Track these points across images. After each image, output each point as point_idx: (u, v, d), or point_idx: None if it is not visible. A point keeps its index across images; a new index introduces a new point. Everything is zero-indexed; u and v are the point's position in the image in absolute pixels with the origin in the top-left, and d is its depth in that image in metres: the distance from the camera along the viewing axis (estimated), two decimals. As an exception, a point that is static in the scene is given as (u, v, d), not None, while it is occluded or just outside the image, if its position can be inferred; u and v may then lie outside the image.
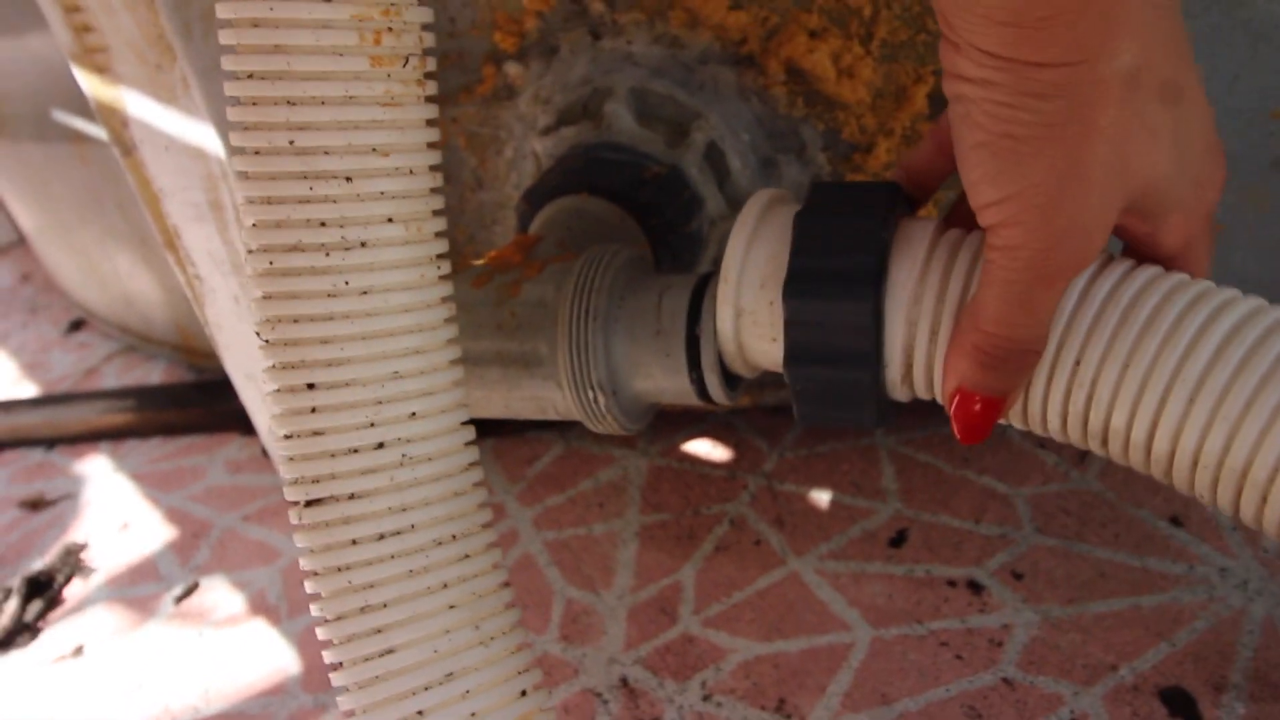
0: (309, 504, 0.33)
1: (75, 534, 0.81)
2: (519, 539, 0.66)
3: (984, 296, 0.30)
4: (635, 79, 0.56)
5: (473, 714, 0.34)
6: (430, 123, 0.34)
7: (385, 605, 0.32)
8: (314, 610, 0.33)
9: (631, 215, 0.51)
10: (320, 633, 0.33)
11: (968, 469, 0.61)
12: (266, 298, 0.33)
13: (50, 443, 0.98)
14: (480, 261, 0.47)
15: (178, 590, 0.70)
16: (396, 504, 0.32)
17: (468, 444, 0.35)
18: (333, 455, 0.32)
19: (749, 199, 0.38)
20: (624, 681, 0.53)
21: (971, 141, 0.29)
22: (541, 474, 0.72)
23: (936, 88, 0.51)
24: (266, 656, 0.62)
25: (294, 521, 0.33)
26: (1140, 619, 0.49)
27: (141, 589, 0.72)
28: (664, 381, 0.42)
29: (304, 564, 0.33)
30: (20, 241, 1.78)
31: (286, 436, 0.32)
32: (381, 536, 0.32)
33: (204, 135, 0.60)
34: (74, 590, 0.74)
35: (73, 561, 0.77)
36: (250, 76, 0.32)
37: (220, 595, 0.69)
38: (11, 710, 0.63)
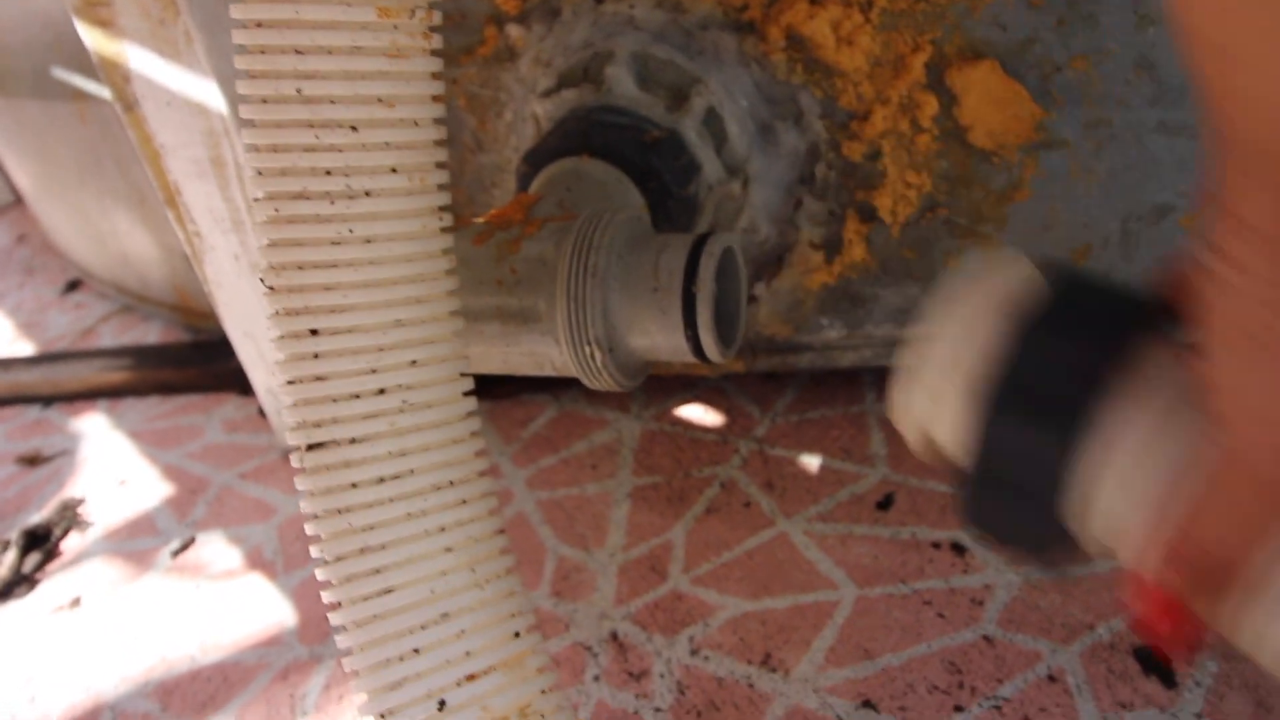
0: (311, 448, 0.33)
1: (72, 489, 0.82)
2: (513, 498, 0.67)
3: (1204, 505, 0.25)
4: (636, 43, 0.56)
5: (467, 653, 0.34)
6: (435, 75, 0.35)
7: (384, 547, 0.33)
8: (314, 551, 0.34)
9: (630, 178, 0.51)
10: (320, 573, 0.34)
11: (956, 437, 0.62)
12: (271, 244, 0.33)
13: (47, 400, 0.99)
14: (481, 220, 0.48)
15: (175, 545, 0.71)
16: (396, 449, 0.33)
17: (466, 393, 0.36)
18: (334, 400, 0.33)
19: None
20: (614, 636, 0.54)
21: (1222, 333, 0.24)
22: (535, 436, 0.73)
23: (934, 57, 0.52)
24: (263, 609, 0.63)
25: (296, 465, 0.33)
26: (1120, 581, 0.50)
27: (139, 543, 0.73)
28: (660, 338, 0.43)
29: (305, 506, 0.34)
30: (17, 202, 1.78)
31: (289, 382, 0.33)
32: (381, 480, 0.33)
33: (206, 91, 0.60)
34: (71, 544, 0.75)
35: (70, 515, 0.78)
36: (259, 25, 0.32)
37: (217, 550, 0.70)
38: (10, 659, 0.64)
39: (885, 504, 0.58)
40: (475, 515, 0.34)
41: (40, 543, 0.75)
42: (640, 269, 0.43)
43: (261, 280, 0.34)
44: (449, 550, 0.34)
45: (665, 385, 0.74)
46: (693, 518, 0.61)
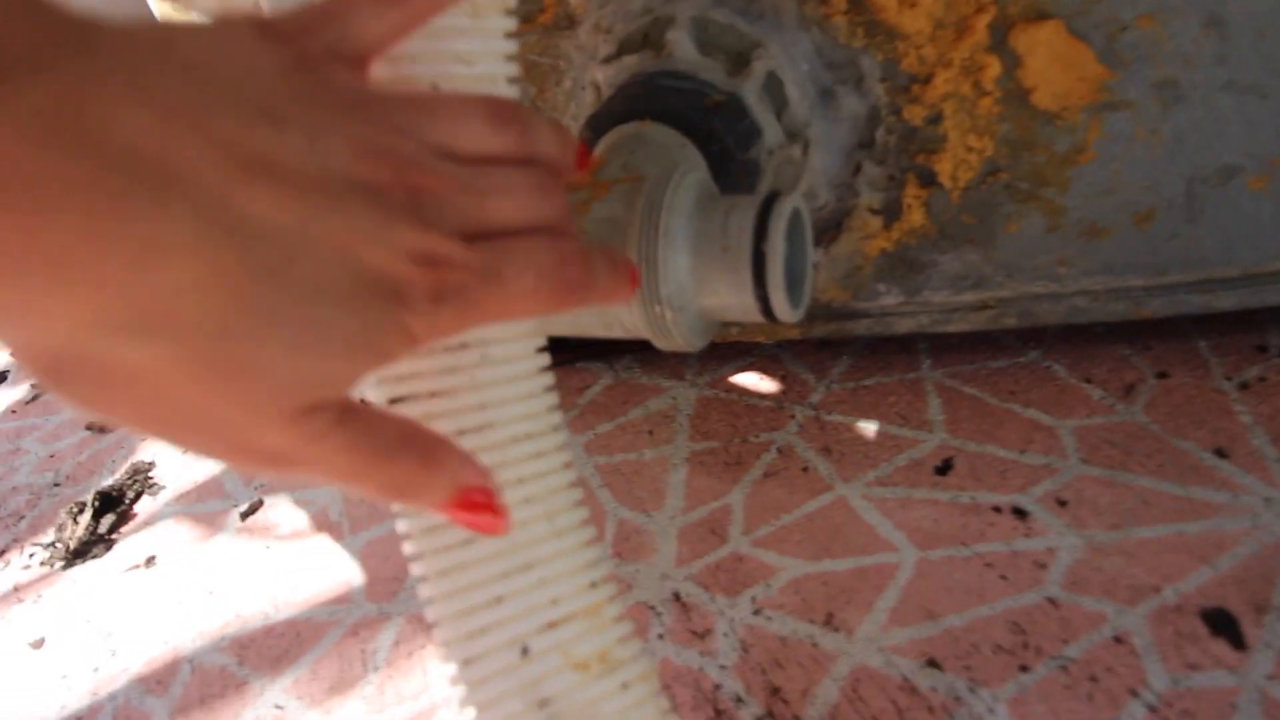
0: (393, 402, 0.34)
1: (143, 454, 0.84)
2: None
3: None
4: (696, 8, 0.56)
5: (551, 600, 0.35)
6: (510, 34, 0.35)
7: None
8: (395, 507, 0.35)
9: (692, 141, 0.52)
10: (401, 525, 0.35)
11: (1014, 401, 0.62)
12: None
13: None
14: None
15: (243, 507, 0.73)
16: (476, 402, 0.33)
17: (539, 349, 0.37)
18: (416, 355, 0.33)
19: None
20: (676, 596, 0.55)
21: None
22: (592, 403, 0.74)
23: (998, 18, 0.51)
24: (331, 569, 0.65)
25: None
26: (1184, 544, 0.50)
27: (208, 505, 0.75)
28: (730, 298, 0.43)
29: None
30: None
31: None
32: (462, 433, 0.33)
33: None
34: (144, 506, 0.77)
35: (141, 479, 0.80)
36: None
37: (284, 512, 0.72)
38: (91, 614, 0.67)
39: (944, 469, 0.59)
40: (552, 468, 0.35)
41: (114, 504, 0.78)
42: (710, 229, 0.43)
43: None
44: (528, 501, 0.34)
45: (720, 352, 0.75)
46: (750, 482, 0.62)
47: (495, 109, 0.28)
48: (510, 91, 0.35)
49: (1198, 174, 0.53)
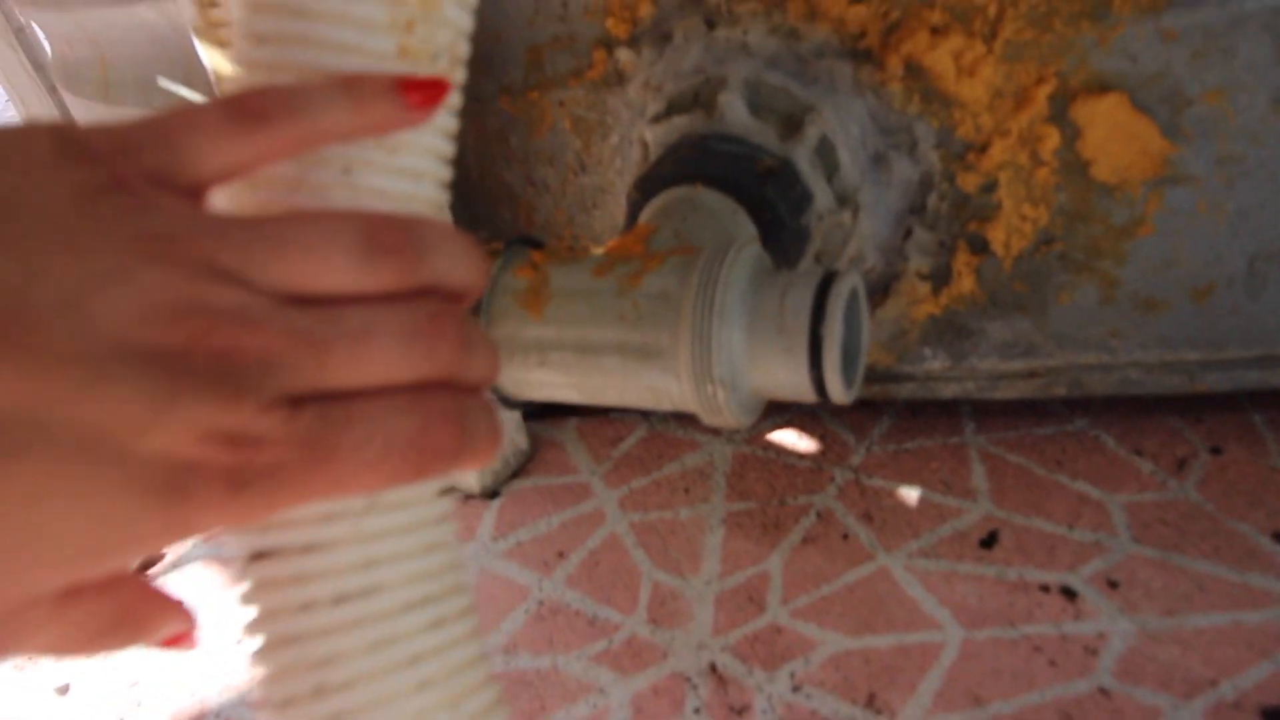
0: (255, 557, 0.26)
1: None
2: (605, 520, 0.67)
3: None
4: (749, 69, 0.56)
5: None
6: (450, 135, 0.30)
7: (345, 685, 0.26)
8: (259, 691, 0.27)
9: (744, 207, 0.51)
10: (264, 718, 0.27)
11: (1061, 472, 0.61)
12: None
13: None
14: (600, 250, 0.48)
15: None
16: (360, 559, 0.26)
17: (442, 491, 0.29)
18: None
19: None
20: (713, 667, 0.54)
21: None
22: (626, 455, 0.73)
23: (1059, 89, 0.51)
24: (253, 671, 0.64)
25: (238, 579, 0.27)
26: (1242, 635, 0.48)
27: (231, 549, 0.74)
28: (784, 378, 0.42)
29: (247, 633, 0.27)
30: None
31: None
32: (340, 600, 0.26)
33: (240, 57, 0.61)
34: (173, 547, 0.77)
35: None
36: (263, 39, 0.27)
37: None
38: (116, 662, 0.66)
39: (989, 541, 0.57)
40: (455, 638, 0.28)
41: (142, 544, 0.77)
42: (765, 308, 0.42)
43: None
44: (424, 686, 0.27)
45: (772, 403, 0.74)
46: (789, 547, 0.61)
47: (370, 234, 0.23)
48: (436, 193, 0.30)
49: (1261, 251, 0.52)
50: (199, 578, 0.72)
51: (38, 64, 1.62)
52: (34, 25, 1.19)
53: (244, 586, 0.26)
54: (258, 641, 0.26)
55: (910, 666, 0.51)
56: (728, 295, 0.42)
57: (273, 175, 0.27)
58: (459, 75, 0.30)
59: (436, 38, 0.29)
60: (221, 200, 0.27)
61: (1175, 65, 0.48)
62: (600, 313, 0.45)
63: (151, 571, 0.74)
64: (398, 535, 0.27)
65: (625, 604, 0.60)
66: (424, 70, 0.28)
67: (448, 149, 0.30)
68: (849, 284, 0.42)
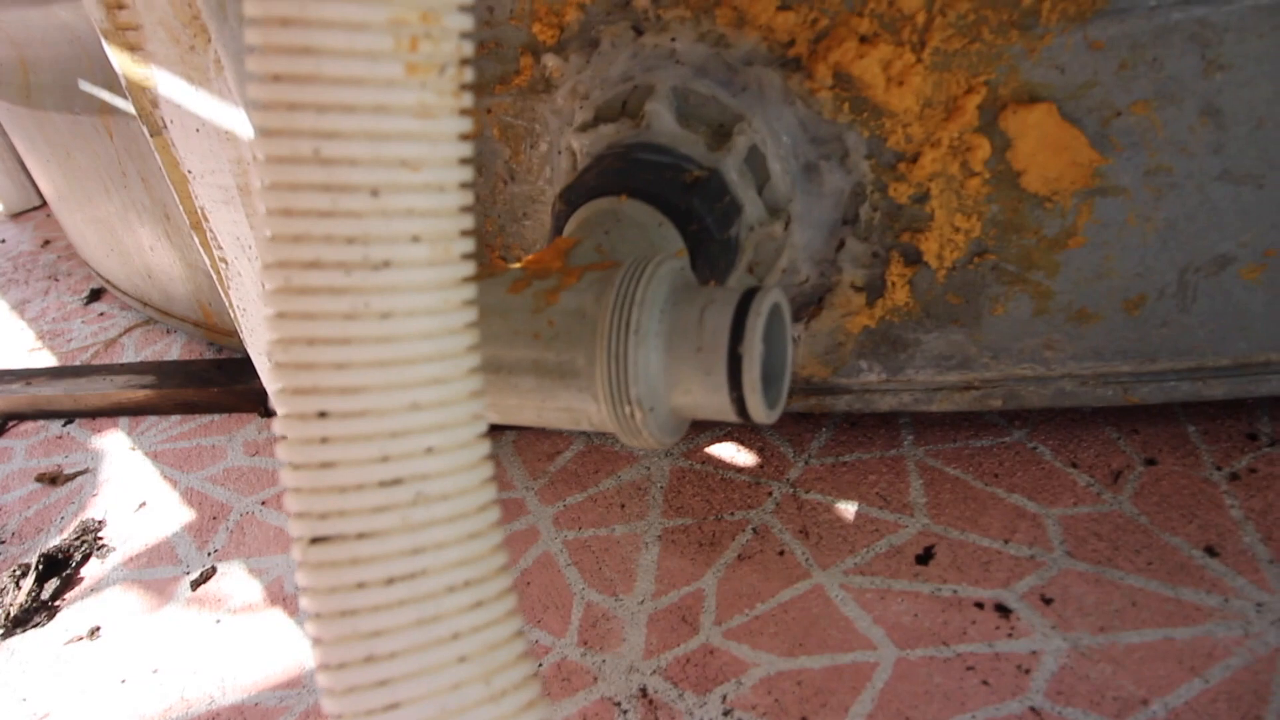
0: (314, 541, 0.30)
1: (93, 511, 0.81)
2: (539, 537, 0.65)
3: None
4: (677, 78, 0.54)
5: None
6: (463, 136, 0.32)
7: (392, 656, 0.30)
8: (315, 656, 0.31)
9: (670, 220, 0.50)
10: (321, 679, 0.31)
11: (998, 485, 0.60)
12: (280, 316, 0.30)
13: (70, 416, 0.98)
14: (517, 265, 0.46)
15: (195, 575, 0.70)
16: (408, 545, 0.30)
17: (485, 481, 0.32)
18: (342, 490, 0.30)
19: None
20: (643, 692, 0.53)
21: None
22: (563, 470, 0.72)
23: (989, 99, 0.50)
24: (283, 648, 0.61)
25: (297, 557, 0.30)
26: (1173, 652, 0.48)
27: (159, 571, 0.72)
28: (703, 398, 0.41)
29: (305, 604, 0.31)
30: (43, 206, 1.78)
31: (294, 467, 0.31)
32: (390, 580, 0.30)
33: (235, 119, 0.59)
34: (91, 569, 0.74)
35: (90, 540, 0.77)
36: (276, 79, 0.30)
37: (237, 582, 0.68)
38: (28, 690, 0.63)
39: (925, 558, 0.56)
40: (492, 619, 0.31)
41: (60, 568, 0.74)
42: (684, 327, 0.41)
43: (269, 355, 0.32)
44: (463, 660, 0.31)
45: (696, 421, 0.73)
46: (724, 565, 0.60)
47: None
48: (461, 199, 0.33)
49: (1191, 262, 0.51)
50: (118, 604, 0.69)
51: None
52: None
53: (304, 566, 0.30)
54: (314, 612, 0.30)
55: (843, 688, 0.50)
56: (644, 314, 0.41)
57: (303, 205, 0.29)
58: (467, 77, 0.31)
59: (441, 50, 0.30)
60: (261, 226, 0.29)
61: (1103, 76, 0.48)
62: (515, 331, 0.43)
63: (68, 595, 0.71)
64: (442, 524, 0.30)
65: (557, 626, 0.58)
66: (433, 85, 0.30)
67: (465, 152, 0.31)
68: (769, 301, 0.40)
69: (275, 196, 0.31)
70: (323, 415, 0.31)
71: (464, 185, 0.33)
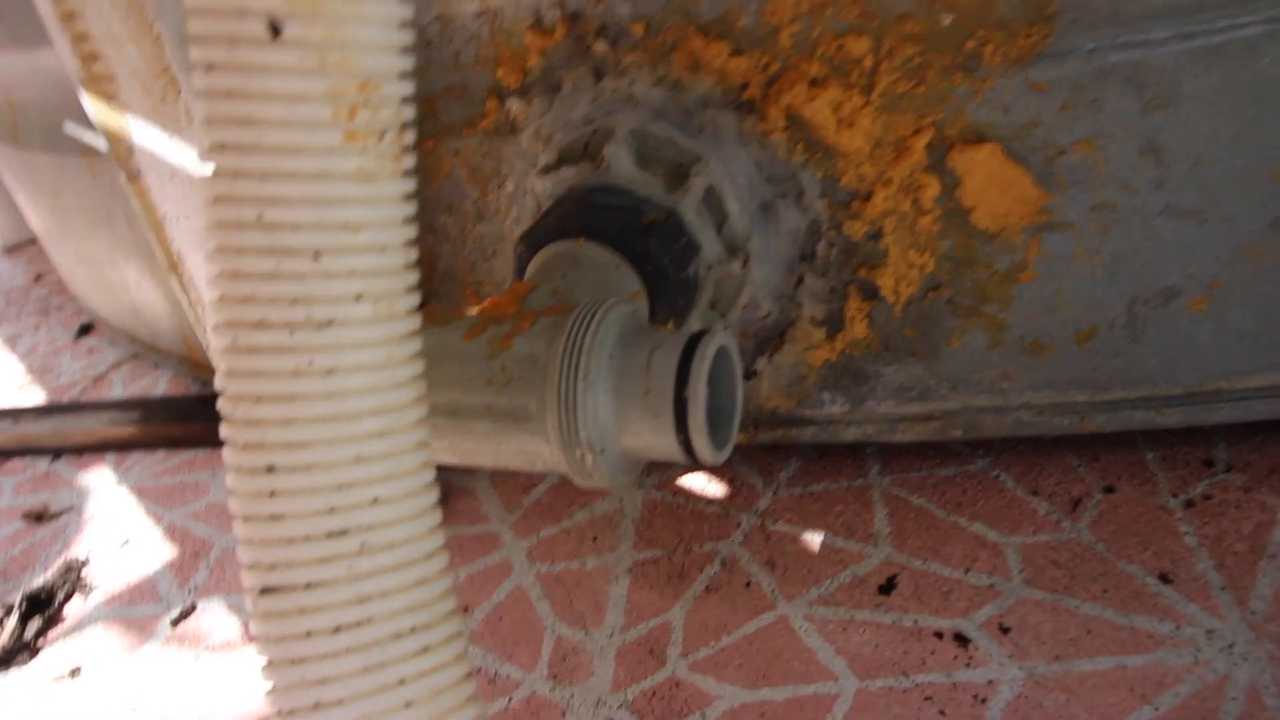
0: (264, 591, 0.31)
1: (77, 549, 0.82)
2: (512, 571, 0.66)
3: None
4: (636, 120, 0.56)
5: None
6: (407, 197, 0.33)
7: (339, 702, 0.31)
8: (267, 703, 0.32)
9: (628, 261, 0.51)
10: None
11: (960, 514, 0.61)
12: (229, 373, 0.31)
13: (56, 452, 0.99)
14: (474, 310, 0.47)
15: (175, 612, 0.71)
16: (354, 595, 0.31)
17: (432, 530, 0.34)
18: (290, 541, 0.31)
19: None
20: (611, 724, 0.53)
21: None
22: (537, 503, 0.72)
23: (936, 139, 0.51)
24: (260, 685, 0.62)
25: (249, 607, 0.32)
26: (1125, 680, 0.48)
27: (140, 609, 0.72)
28: (652, 440, 0.42)
29: (258, 652, 0.32)
30: (35, 241, 1.80)
31: (244, 519, 0.31)
32: (337, 629, 0.31)
33: (206, 167, 0.60)
34: (73, 608, 0.75)
35: (73, 578, 0.78)
36: (222, 148, 0.31)
37: (217, 619, 0.69)
38: (8, 729, 0.64)
39: (887, 587, 0.57)
40: (439, 663, 0.32)
41: (43, 607, 0.75)
42: (632, 370, 0.42)
43: (219, 410, 0.33)
44: (409, 705, 0.32)
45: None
46: (692, 596, 0.60)
47: None
48: (404, 257, 0.34)
49: (1139, 295, 0.52)
50: (100, 642, 0.70)
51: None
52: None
53: (255, 615, 0.31)
54: (265, 660, 0.31)
55: (804, 719, 0.51)
56: (592, 359, 0.42)
57: (248, 268, 0.31)
58: (408, 139, 0.33)
59: (380, 117, 0.32)
60: (204, 288, 0.30)
61: (1045, 116, 0.49)
62: (470, 376, 0.44)
63: (50, 634, 0.72)
64: (388, 573, 0.32)
65: (527, 660, 0.59)
66: (373, 149, 0.32)
67: (409, 211, 0.33)
68: (714, 345, 0.42)
69: (222, 259, 0.32)
70: (270, 469, 0.32)
71: (408, 243, 0.34)
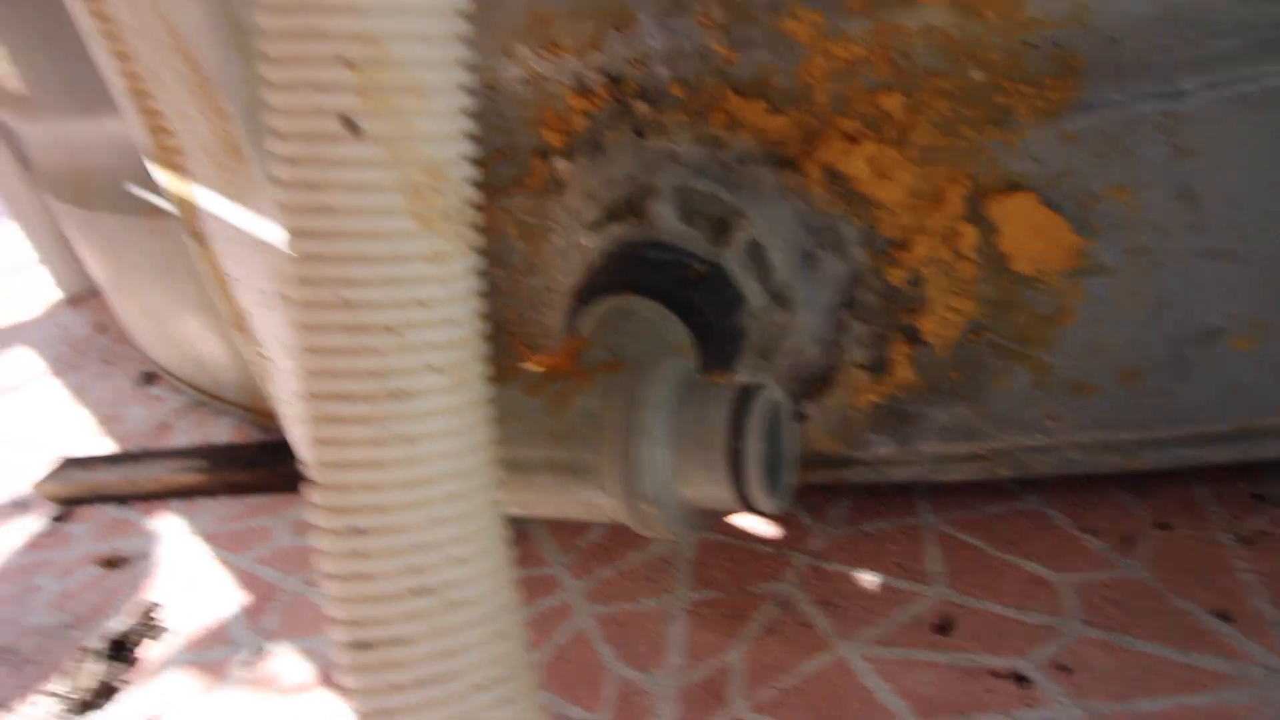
0: (356, 646, 0.33)
1: (150, 594, 0.85)
2: (572, 613, 0.68)
3: None
4: (678, 177, 0.58)
5: None
6: (476, 271, 0.36)
7: None
8: None
9: (675, 314, 0.53)
10: None
11: (1013, 552, 0.62)
12: (317, 441, 0.34)
13: (125, 499, 1.03)
14: (533, 367, 0.49)
15: (248, 655, 0.73)
16: (439, 649, 0.33)
17: (508, 584, 0.36)
18: (378, 600, 0.33)
19: None
20: (672, 767, 0.55)
21: None
22: (592, 545, 0.74)
23: (973, 189, 0.52)
24: (330, 728, 0.64)
25: (340, 661, 0.33)
26: (1188, 719, 0.49)
27: (214, 653, 0.75)
28: (709, 492, 0.44)
29: (350, 704, 0.34)
30: (96, 292, 1.86)
31: (334, 578, 0.34)
32: (423, 683, 0.33)
33: (272, 232, 0.63)
34: (150, 652, 0.78)
35: (148, 623, 0.81)
36: (303, 234, 0.33)
37: (289, 662, 0.72)
38: (92, 775, 0.66)
39: (944, 627, 0.58)
40: (520, 714, 0.34)
41: (121, 651, 0.78)
42: (686, 424, 0.44)
43: (309, 475, 0.35)
44: None
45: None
46: (750, 637, 0.62)
47: None
48: (473, 329, 0.36)
49: (1181, 335, 0.53)
50: (177, 687, 0.73)
51: (23, 161, 1.66)
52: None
53: (346, 669, 0.33)
54: (359, 712, 0.33)
55: (863, 761, 0.52)
56: (649, 415, 0.43)
57: (331, 343, 0.33)
58: (475, 218, 0.35)
59: (448, 200, 0.34)
60: (289, 380, 0.33)
61: (1079, 165, 0.50)
62: (532, 431, 0.46)
63: (130, 677, 0.75)
64: (470, 628, 0.33)
65: (590, 701, 0.60)
66: (441, 231, 0.34)
67: (476, 285, 0.35)
68: (764, 400, 0.43)
69: (307, 335, 0.35)
70: (358, 531, 0.34)
71: (477, 315, 0.36)
